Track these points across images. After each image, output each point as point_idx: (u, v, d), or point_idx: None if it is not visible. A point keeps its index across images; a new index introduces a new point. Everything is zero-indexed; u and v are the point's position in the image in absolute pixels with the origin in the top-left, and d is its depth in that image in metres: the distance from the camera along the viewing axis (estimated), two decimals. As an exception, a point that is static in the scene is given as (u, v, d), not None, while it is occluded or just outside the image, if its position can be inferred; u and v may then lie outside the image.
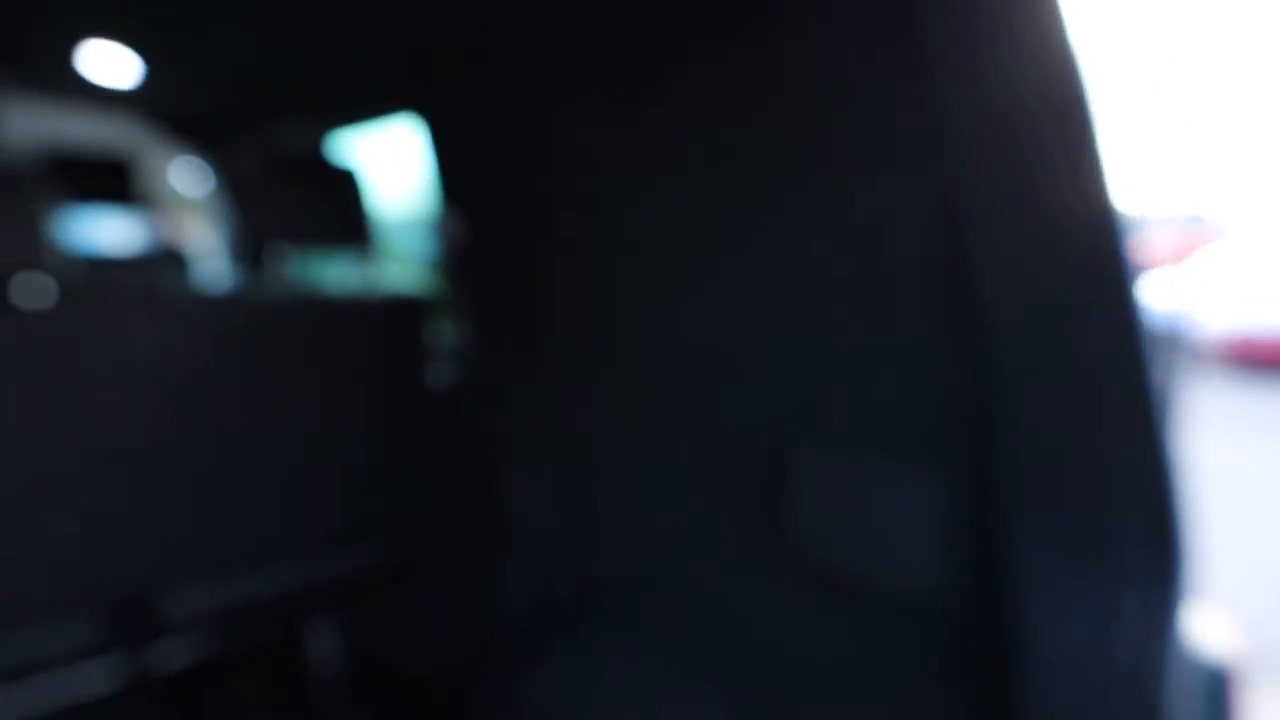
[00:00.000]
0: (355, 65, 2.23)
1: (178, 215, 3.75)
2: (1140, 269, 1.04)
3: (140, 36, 2.11)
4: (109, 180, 2.71)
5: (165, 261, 2.17)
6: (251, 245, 2.04)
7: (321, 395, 2.02)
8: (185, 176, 3.32)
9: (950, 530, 1.26)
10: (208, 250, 3.23)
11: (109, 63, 2.34)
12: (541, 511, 2.09)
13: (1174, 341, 1.22)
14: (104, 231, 2.84)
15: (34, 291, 1.66)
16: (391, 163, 2.84)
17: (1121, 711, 1.00)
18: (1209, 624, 1.11)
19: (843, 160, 1.33)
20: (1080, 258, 1.05)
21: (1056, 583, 1.10)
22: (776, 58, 1.38)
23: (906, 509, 1.31)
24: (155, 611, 1.98)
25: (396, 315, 2.10)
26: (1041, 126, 1.05)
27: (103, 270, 2.02)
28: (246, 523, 2.04)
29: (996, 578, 1.18)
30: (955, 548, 1.25)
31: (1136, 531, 1.04)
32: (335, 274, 2.33)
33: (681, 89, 1.54)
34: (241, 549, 2.06)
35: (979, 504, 1.21)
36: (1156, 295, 1.08)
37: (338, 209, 2.05)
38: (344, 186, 2.07)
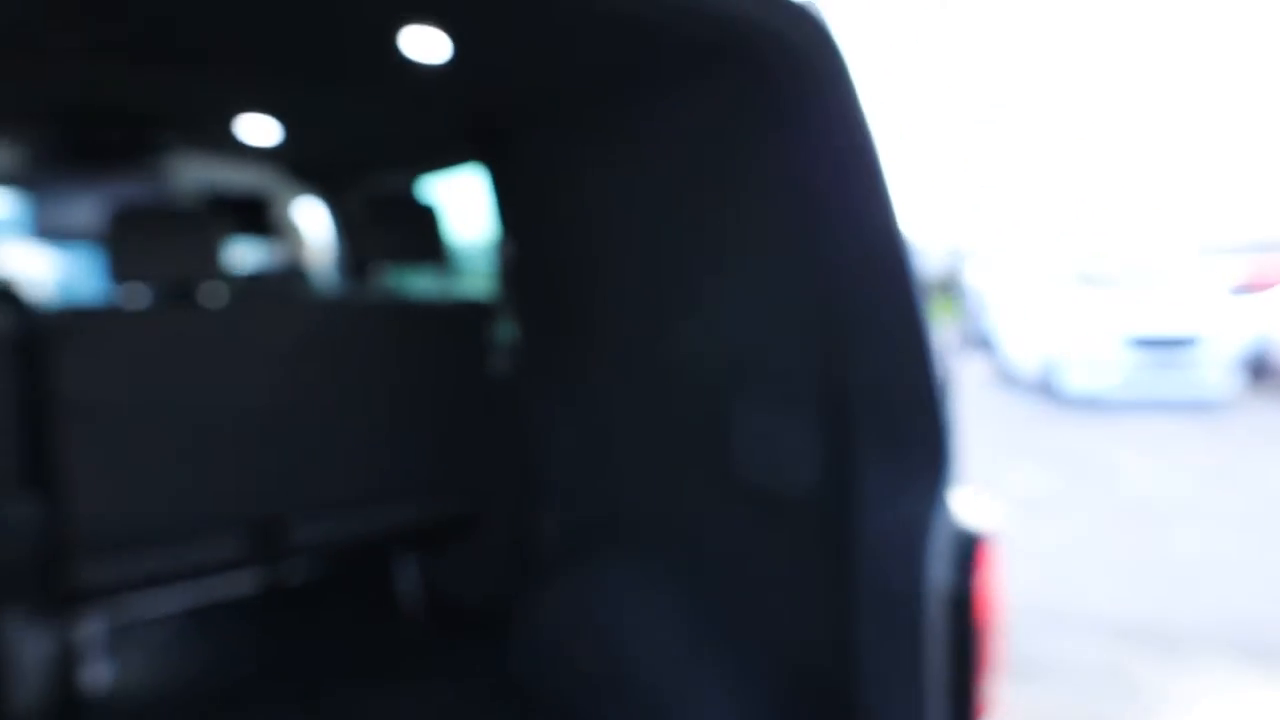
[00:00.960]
0: (436, 129, 2.95)
1: (297, 241, 4.57)
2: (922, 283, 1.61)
3: (283, 110, 2.87)
4: (254, 214, 3.51)
5: (293, 275, 2.89)
6: (356, 263, 2.75)
7: (407, 377, 2.70)
8: (304, 211, 4.13)
9: (825, 454, 1.83)
10: (322, 268, 4.01)
11: (258, 128, 3.13)
12: (573, 471, 2.72)
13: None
14: (247, 253, 3.62)
15: (212, 295, 2.39)
16: (464, 199, 3.54)
17: (905, 549, 1.55)
18: (968, 503, 1.65)
19: (740, 215, 1.94)
20: (891, 277, 1.62)
21: (880, 479, 1.66)
22: (709, 150, 2.02)
23: (798, 442, 1.89)
24: (285, 536, 2.68)
25: (465, 316, 2.78)
26: (868, 194, 1.63)
27: (253, 281, 2.75)
28: (351, 474, 2.73)
29: (847, 480, 1.74)
30: (828, 465, 1.82)
31: (923, 442, 1.60)
32: (419, 284, 3.02)
33: (658, 164, 2.18)
34: (347, 494, 2.75)
35: (838, 436, 1.78)
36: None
37: (421, 235, 2.74)
38: (426, 217, 2.76)
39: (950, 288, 23.02)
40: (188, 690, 2.67)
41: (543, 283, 2.73)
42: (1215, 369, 11.90)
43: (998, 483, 7.62)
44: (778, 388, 1.97)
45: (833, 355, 1.78)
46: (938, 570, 1.52)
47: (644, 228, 2.33)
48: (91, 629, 2.53)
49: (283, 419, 2.53)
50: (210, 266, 2.32)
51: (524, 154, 2.70)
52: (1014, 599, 4.90)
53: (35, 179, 3.16)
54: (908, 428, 1.63)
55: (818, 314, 1.81)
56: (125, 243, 2.24)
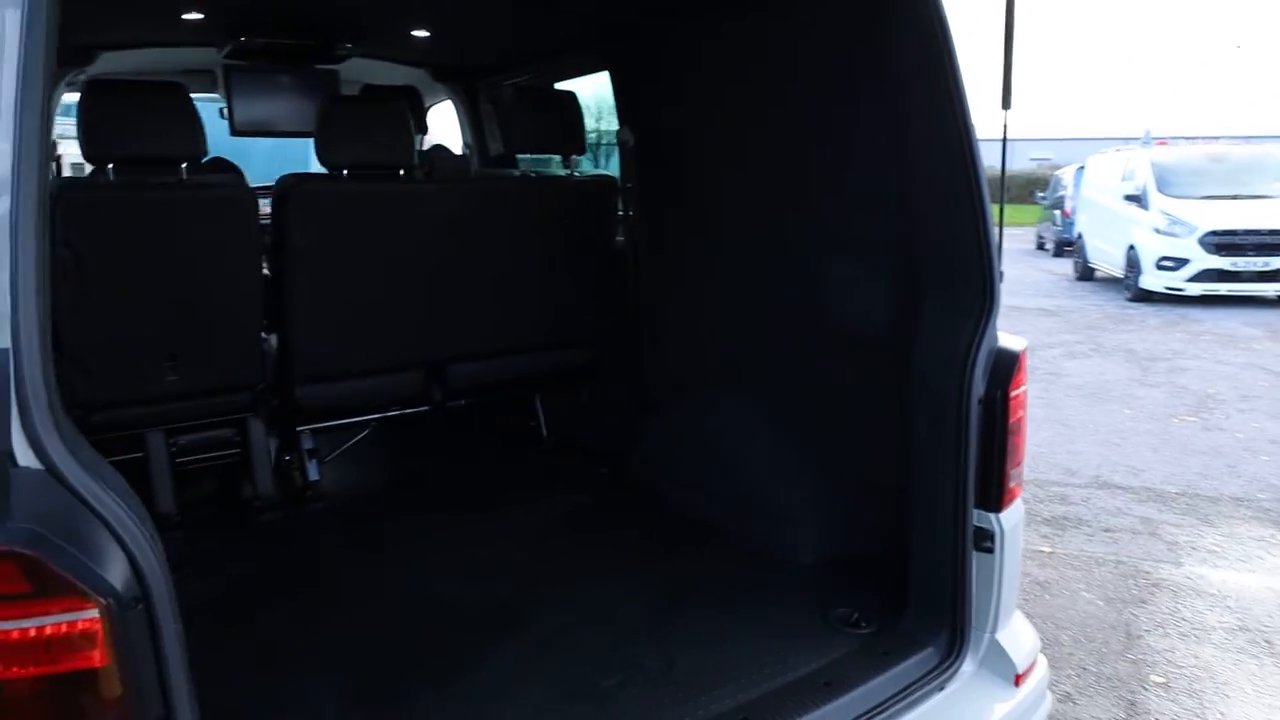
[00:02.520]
0: (567, 36, 3.43)
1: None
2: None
3: (434, 19, 3.38)
4: (411, 106, 4.07)
5: (451, 158, 3.43)
6: (502, 150, 3.29)
7: (546, 244, 3.26)
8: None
9: (895, 299, 2.34)
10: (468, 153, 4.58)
11: (415, 36, 3.65)
12: (683, 327, 3.27)
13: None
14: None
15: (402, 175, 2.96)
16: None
17: (955, 366, 2.07)
18: (1009, 336, 2.15)
19: (839, 113, 2.41)
20: (956, 162, 2.07)
21: (937, 315, 2.17)
22: (806, 59, 2.47)
23: (874, 292, 2.40)
24: (447, 377, 3.32)
25: (593, 192, 3.31)
26: (935, 99, 2.07)
27: (429, 157, 3.29)
28: (498, 327, 3.33)
29: (910, 321, 2.25)
30: (894, 310, 2.33)
31: (978, 293, 2.09)
32: (555, 167, 3.55)
33: (761, 64, 2.63)
34: (494, 344, 3.36)
35: (907, 286, 2.28)
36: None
37: (563, 125, 3.24)
38: (568, 110, 3.26)
39: (1038, 189, 22.47)
40: (371, 488, 3.40)
41: (655, 165, 3.22)
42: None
43: (1069, 373, 7.97)
44: (860, 252, 2.48)
45: (904, 225, 2.26)
46: (978, 381, 2.03)
47: (748, 120, 2.80)
48: (306, 438, 3.23)
49: (449, 278, 3.13)
50: (406, 153, 2.88)
51: (644, 55, 3.16)
52: (1069, 468, 5.38)
53: (236, 83, 3.76)
54: (961, 273, 2.11)
55: (895, 193, 2.28)
56: (334, 130, 2.79)
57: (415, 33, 3.59)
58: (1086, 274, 15.20)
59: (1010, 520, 2.07)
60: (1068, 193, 18.37)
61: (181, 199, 2.60)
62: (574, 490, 3.28)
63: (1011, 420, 2.05)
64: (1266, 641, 3.35)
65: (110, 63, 3.67)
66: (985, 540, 2.05)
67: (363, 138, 2.83)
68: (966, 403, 2.02)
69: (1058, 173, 21.48)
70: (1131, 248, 12.82)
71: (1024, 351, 2.10)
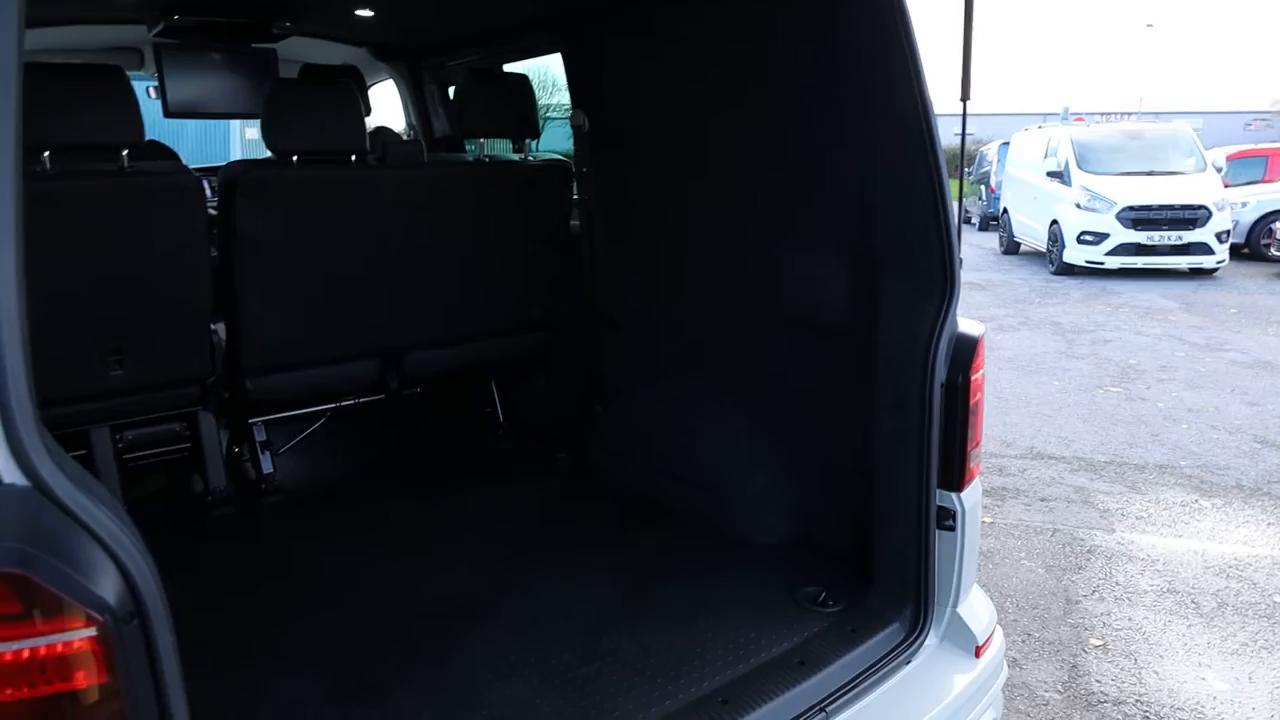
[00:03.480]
0: (518, 17, 3.37)
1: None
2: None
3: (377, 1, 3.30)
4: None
5: (399, 143, 3.36)
6: (463, 131, 3.21)
7: (500, 229, 3.23)
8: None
9: (853, 284, 2.39)
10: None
11: (358, 16, 3.55)
12: (637, 307, 3.28)
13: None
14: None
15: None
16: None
17: (916, 352, 2.12)
18: (968, 322, 2.22)
19: (796, 94, 2.43)
20: (916, 146, 2.11)
21: (897, 300, 2.22)
22: (766, 38, 2.48)
23: (832, 276, 2.45)
24: (403, 365, 3.27)
25: (547, 176, 3.28)
26: (894, 83, 2.11)
27: (383, 140, 3.21)
28: (453, 314, 3.30)
29: (872, 307, 2.30)
30: (854, 295, 2.38)
31: (939, 276, 2.15)
32: (506, 151, 3.49)
33: (714, 47, 2.64)
34: (449, 331, 3.33)
35: (865, 269, 2.33)
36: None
37: (515, 109, 3.20)
38: (520, 93, 3.21)
39: (965, 164, 23.04)
40: (327, 479, 3.34)
41: (608, 146, 3.21)
42: (1210, 242, 12.32)
43: (1000, 346, 8.24)
44: (818, 235, 2.52)
45: (862, 206, 2.31)
46: (940, 366, 2.10)
47: (702, 102, 2.81)
48: (259, 430, 3.16)
49: (403, 265, 3.07)
50: (358, 138, 2.81)
51: (598, 38, 3.14)
52: (1005, 440, 5.59)
53: (168, 62, 3.60)
54: (922, 259, 2.16)
55: (855, 178, 2.32)
56: (282, 114, 2.71)
57: (359, 11, 3.49)
58: (1012, 248, 15.67)
59: (970, 499, 2.15)
60: (993, 169, 18.89)
61: (123, 186, 2.50)
62: (535, 477, 3.28)
63: (971, 403, 2.12)
64: (1193, 603, 3.56)
65: (28, 39, 3.48)
66: (947, 519, 2.13)
67: (312, 122, 2.75)
68: (930, 388, 2.08)
69: (983, 149, 22.05)
70: (1054, 222, 13.26)
71: (982, 336, 2.17)
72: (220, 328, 2.92)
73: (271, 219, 2.74)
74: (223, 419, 3.09)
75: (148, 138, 3.30)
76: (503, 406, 3.72)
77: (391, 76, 4.37)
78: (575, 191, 3.38)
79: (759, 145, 2.64)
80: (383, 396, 3.35)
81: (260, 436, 3.14)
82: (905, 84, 2.07)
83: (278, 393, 3.05)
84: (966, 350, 2.14)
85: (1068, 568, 3.86)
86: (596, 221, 3.32)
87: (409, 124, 4.44)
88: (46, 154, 2.42)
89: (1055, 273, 13.10)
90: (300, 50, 4.02)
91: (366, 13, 3.52)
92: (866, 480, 2.30)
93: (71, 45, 3.74)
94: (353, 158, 2.86)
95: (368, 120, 4.69)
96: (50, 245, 2.39)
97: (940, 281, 2.12)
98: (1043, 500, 4.62)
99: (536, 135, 3.25)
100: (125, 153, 2.49)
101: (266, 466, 3.14)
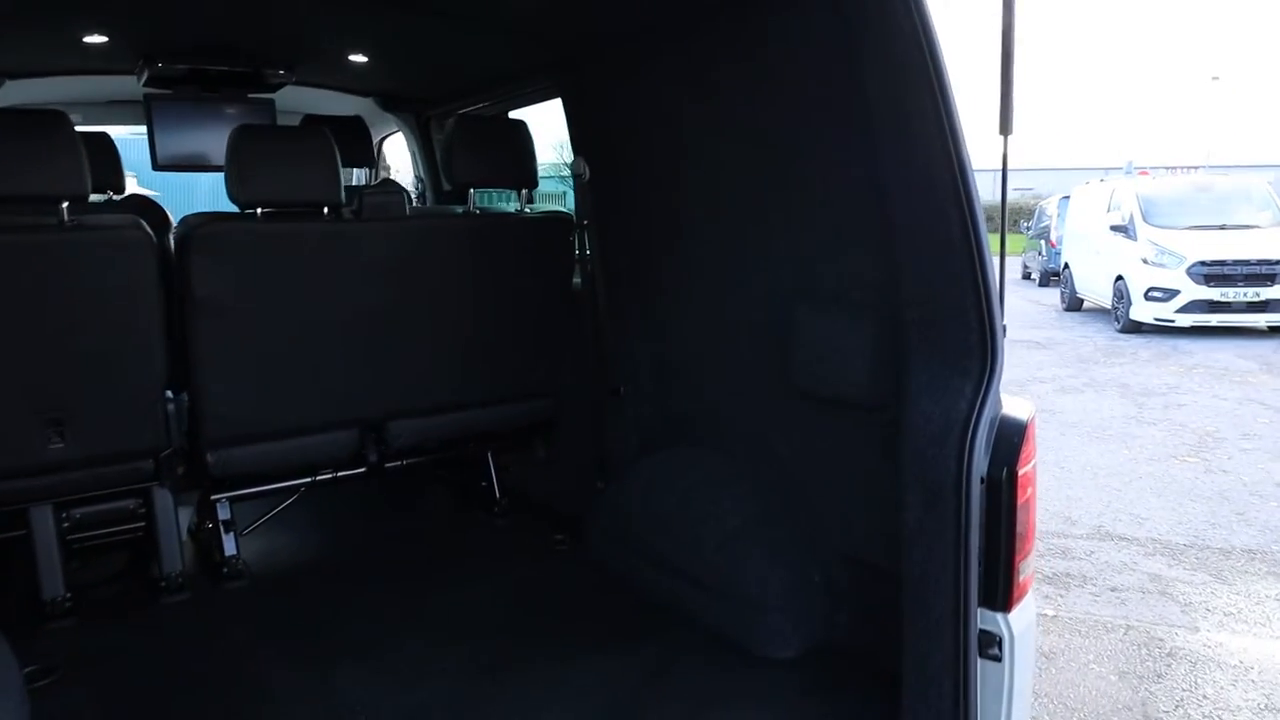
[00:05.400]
0: (516, 62, 3.14)
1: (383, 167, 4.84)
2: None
3: (379, 44, 3.08)
4: (352, 136, 3.76)
5: (391, 193, 3.10)
6: (449, 185, 2.96)
7: (496, 287, 2.94)
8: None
9: (878, 356, 2.02)
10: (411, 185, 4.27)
11: (357, 62, 3.36)
12: (645, 376, 2.95)
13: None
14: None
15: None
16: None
17: (951, 439, 1.75)
18: (1015, 401, 1.84)
19: (807, 128, 2.11)
20: (945, 190, 1.77)
21: (928, 376, 1.85)
22: (770, 74, 2.18)
23: (853, 346, 2.08)
24: (386, 437, 2.98)
25: (547, 229, 3.00)
26: (921, 113, 1.77)
27: (360, 191, 2.97)
28: (444, 380, 3.00)
29: (898, 379, 1.93)
30: (878, 367, 2.02)
31: (977, 349, 1.78)
32: (505, 203, 3.24)
33: (723, 87, 2.34)
34: (440, 399, 3.03)
35: (891, 339, 1.97)
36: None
37: (512, 157, 2.94)
38: (516, 140, 2.95)
39: (1022, 219, 22.43)
40: (296, 563, 3.03)
41: (617, 199, 2.92)
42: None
43: (1063, 409, 7.68)
44: (834, 297, 2.16)
45: (889, 265, 1.95)
46: (980, 456, 1.72)
47: (713, 148, 2.50)
48: (223, 507, 2.87)
49: (384, 327, 2.80)
50: (329, 189, 2.56)
51: (600, 82, 2.87)
52: (1069, 516, 5.06)
53: (157, 112, 3.44)
54: (956, 327, 1.80)
55: (877, 227, 1.97)
56: (245, 163, 2.47)
57: (353, 57, 3.30)
58: (1075, 304, 15.01)
59: (1021, 621, 1.74)
60: (1053, 223, 18.26)
61: (59, 242, 2.27)
62: (528, 564, 2.93)
63: (1020, 501, 1.73)
64: (1299, 723, 3.02)
65: (21, 92, 3.35)
66: (992, 646, 1.72)
67: (279, 171, 2.52)
68: (967, 483, 1.70)
69: (1042, 203, 21.43)
70: (1119, 278, 12.62)
71: (1032, 420, 1.78)
72: (183, 395, 2.66)
73: (231, 278, 2.50)
74: (181, 496, 2.82)
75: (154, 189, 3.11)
76: (500, 480, 3.39)
77: (399, 127, 4.18)
78: (578, 245, 3.09)
79: (774, 195, 2.32)
80: (364, 470, 3.04)
81: (224, 515, 2.85)
82: (936, 126, 1.73)
83: (243, 467, 2.77)
84: (1012, 437, 1.75)
85: (1145, 675, 3.34)
86: (598, 278, 3.02)
87: (417, 175, 4.24)
88: None
89: (1121, 330, 12.42)
90: (303, 101, 3.86)
91: (360, 58, 3.33)
92: (896, 583, 1.90)
93: (72, 98, 3.62)
94: (325, 210, 2.62)
95: (380, 173, 4.52)
96: None
97: (979, 354, 1.74)
98: (1113, 590, 4.09)
99: (533, 185, 2.98)
100: (65, 205, 2.27)
101: (229, 548, 2.84)
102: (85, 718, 2.07)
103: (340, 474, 3.03)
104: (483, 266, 2.93)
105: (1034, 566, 1.81)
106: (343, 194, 2.62)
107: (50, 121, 2.24)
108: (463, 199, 2.95)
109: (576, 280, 3.11)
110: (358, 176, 4.64)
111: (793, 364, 2.25)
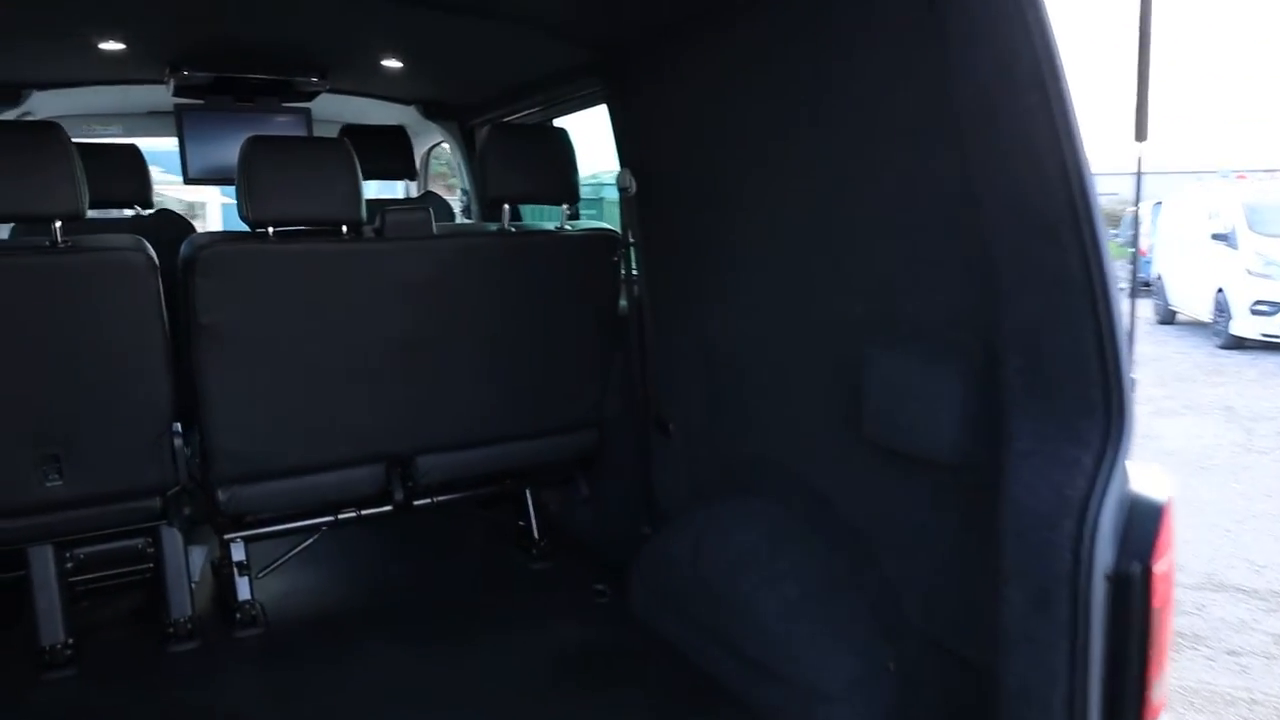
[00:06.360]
0: (559, 67, 2.87)
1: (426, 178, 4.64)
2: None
3: (419, 49, 2.86)
4: (394, 146, 3.55)
5: (424, 208, 2.87)
6: (487, 196, 2.71)
7: (533, 311, 2.67)
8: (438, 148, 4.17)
9: (969, 410, 1.67)
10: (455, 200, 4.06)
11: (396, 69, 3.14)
12: (697, 413, 2.65)
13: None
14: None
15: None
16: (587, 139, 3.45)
17: (1063, 520, 1.40)
18: (1147, 473, 1.47)
19: (884, 131, 1.77)
20: (1056, 204, 1.43)
21: (1034, 440, 1.50)
22: (839, 65, 1.85)
23: (937, 396, 1.73)
24: (414, 473, 2.73)
25: (590, 247, 2.71)
26: (1025, 112, 1.43)
27: (384, 208, 2.74)
28: (478, 411, 2.74)
29: (996, 441, 1.58)
30: (973, 423, 1.67)
31: (1099, 408, 1.43)
32: (548, 217, 2.97)
33: (785, 85, 2.03)
34: (474, 432, 2.77)
35: (986, 391, 1.62)
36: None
37: (551, 170, 2.67)
38: (556, 150, 2.68)
39: (1109, 226, 21.34)
40: (314, 610, 2.80)
41: (666, 215, 2.63)
42: None
43: (1161, 435, 7.09)
44: (916, 334, 1.82)
45: (982, 298, 1.61)
46: (1104, 546, 1.37)
47: (771, 156, 2.18)
48: (236, 548, 2.67)
49: (410, 355, 2.55)
50: (348, 205, 2.32)
51: (645, 83, 2.59)
52: (1180, 563, 4.56)
53: (187, 122, 3.29)
54: (1070, 382, 1.44)
55: (968, 249, 1.63)
56: (256, 178, 2.25)
57: (386, 62, 3.07)
58: (1168, 317, 14.14)
59: (1153, 756, 1.38)
60: (1144, 230, 17.31)
61: (49, 265, 2.08)
62: (565, 618, 2.64)
63: (1155, 606, 1.37)
64: None
65: (49, 104, 3.23)
66: (1113, 784, 1.36)
67: (293, 187, 2.29)
68: (1087, 578, 1.35)
69: (1130, 209, 20.36)
70: (1220, 290, 11.78)
71: (1170, 502, 1.41)
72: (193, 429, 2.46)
73: (240, 303, 2.28)
74: (192, 537, 2.62)
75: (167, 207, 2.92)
76: (539, 519, 3.11)
77: (444, 137, 3.96)
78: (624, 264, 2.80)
79: (843, 208, 1.99)
80: (390, 509, 2.80)
81: (238, 556, 2.64)
82: (1044, 125, 1.39)
83: (257, 505, 2.56)
84: (1146, 523, 1.40)
85: (1276, 763, 2.89)
86: (645, 301, 2.73)
87: (463, 188, 4.02)
88: None
89: (1222, 346, 11.58)
90: (344, 110, 3.67)
91: (395, 63, 3.10)
92: (991, 681, 1.56)
93: (103, 109, 3.50)
94: (344, 229, 2.38)
95: (444, 190, 4.31)
96: None
97: (1101, 415, 1.39)
98: (1231, 654, 3.61)
99: (575, 199, 2.70)
100: (58, 225, 2.08)
101: (243, 592, 2.63)
102: None
103: (364, 512, 2.79)
104: (518, 288, 2.66)
105: (1167, 685, 1.44)
106: (364, 211, 2.39)
107: (41, 133, 2.06)
108: (513, 215, 2.71)
109: (622, 303, 2.82)
110: (404, 189, 4.46)
111: (864, 410, 1.91)
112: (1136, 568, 1.35)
